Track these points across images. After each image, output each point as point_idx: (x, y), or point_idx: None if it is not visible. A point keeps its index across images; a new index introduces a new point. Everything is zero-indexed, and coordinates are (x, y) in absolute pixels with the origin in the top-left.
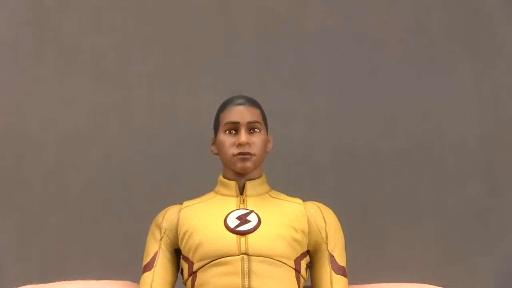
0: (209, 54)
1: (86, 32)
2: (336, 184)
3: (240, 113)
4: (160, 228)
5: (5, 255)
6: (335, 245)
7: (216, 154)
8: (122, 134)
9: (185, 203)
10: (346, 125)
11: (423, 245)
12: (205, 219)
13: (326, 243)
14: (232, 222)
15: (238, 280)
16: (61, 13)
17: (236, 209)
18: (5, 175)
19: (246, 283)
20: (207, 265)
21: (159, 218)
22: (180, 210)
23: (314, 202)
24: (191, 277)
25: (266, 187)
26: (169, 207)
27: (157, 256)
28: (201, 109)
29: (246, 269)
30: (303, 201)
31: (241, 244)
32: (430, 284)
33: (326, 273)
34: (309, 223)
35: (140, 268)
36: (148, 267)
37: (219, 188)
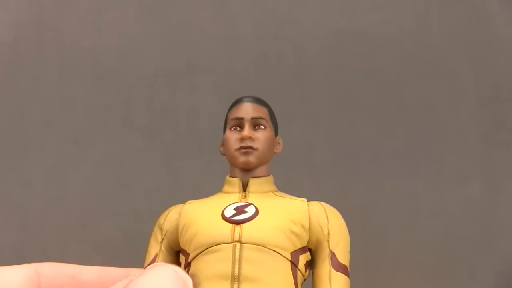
0: (209, 54)
1: (86, 32)
2: (336, 184)
3: (245, 109)
4: (161, 230)
5: (5, 255)
6: (337, 243)
7: (224, 154)
8: (122, 134)
9: (188, 202)
10: (346, 125)
11: (423, 245)
12: (203, 212)
13: (328, 240)
14: (229, 212)
15: (228, 266)
16: (61, 13)
17: (236, 202)
18: (5, 175)
19: (237, 269)
20: (200, 253)
21: (161, 219)
22: (182, 208)
23: (320, 202)
24: (186, 269)
25: (271, 187)
26: (172, 207)
27: (156, 258)
28: (201, 109)
29: (237, 255)
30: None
31: (235, 233)
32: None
33: (326, 269)
34: (310, 219)
35: (140, 267)
36: None
37: (224, 187)
